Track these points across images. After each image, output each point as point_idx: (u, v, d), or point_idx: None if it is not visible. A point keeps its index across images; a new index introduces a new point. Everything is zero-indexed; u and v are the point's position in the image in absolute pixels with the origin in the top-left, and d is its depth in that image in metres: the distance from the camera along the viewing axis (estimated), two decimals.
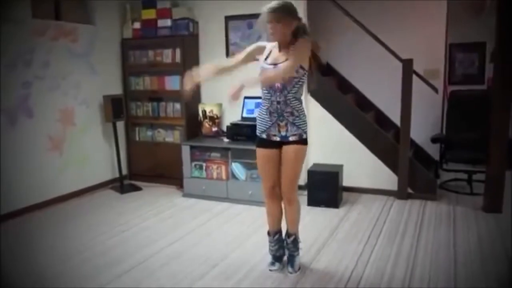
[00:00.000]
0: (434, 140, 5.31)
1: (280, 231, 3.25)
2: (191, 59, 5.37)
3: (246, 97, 5.13)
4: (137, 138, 5.75)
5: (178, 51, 5.28)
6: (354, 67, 5.83)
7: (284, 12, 2.78)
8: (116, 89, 5.56)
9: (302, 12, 4.83)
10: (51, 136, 4.77)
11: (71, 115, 5.01)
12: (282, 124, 2.90)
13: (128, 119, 5.66)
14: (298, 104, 2.91)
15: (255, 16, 5.01)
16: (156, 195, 5.12)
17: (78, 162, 5.10)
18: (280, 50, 2.90)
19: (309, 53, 2.88)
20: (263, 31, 2.81)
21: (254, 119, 4.96)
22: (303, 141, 2.95)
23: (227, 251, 3.53)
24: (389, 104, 5.56)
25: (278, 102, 2.87)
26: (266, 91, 2.91)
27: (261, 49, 3.01)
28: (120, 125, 5.56)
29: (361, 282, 2.94)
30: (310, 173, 4.66)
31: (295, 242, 3.16)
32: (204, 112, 5.26)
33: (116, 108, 5.17)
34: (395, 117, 5.13)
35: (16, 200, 4.39)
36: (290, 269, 3.13)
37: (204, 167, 4.97)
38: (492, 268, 3.13)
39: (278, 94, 2.86)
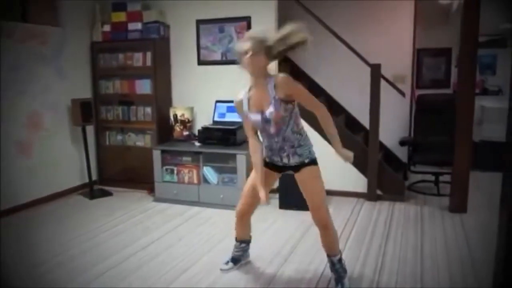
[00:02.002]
0: (402, 143, 5.44)
1: (248, 241, 3.30)
2: (162, 63, 5.35)
3: (217, 101, 5.15)
4: (107, 143, 5.66)
5: (149, 54, 5.24)
6: (323, 70, 5.91)
7: (254, 40, 2.61)
8: (86, 93, 5.46)
9: (273, 13, 4.93)
10: (19, 141, 4.65)
11: (40, 120, 4.90)
12: (284, 155, 2.82)
13: (98, 123, 5.58)
14: (298, 136, 2.80)
15: (227, 20, 5.14)
16: (127, 200, 5.06)
17: (46, 168, 4.98)
18: (256, 88, 2.75)
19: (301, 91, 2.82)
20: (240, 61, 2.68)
21: (225, 122, 5.03)
22: (310, 163, 2.84)
23: (199, 254, 3.52)
24: (358, 107, 5.67)
25: (277, 142, 2.78)
26: (264, 134, 2.82)
27: (241, 103, 2.84)
28: (90, 129, 5.47)
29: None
30: (282, 176, 4.66)
31: (341, 262, 2.92)
32: (175, 116, 5.24)
33: (85, 112, 5.07)
34: (365, 120, 5.23)
35: None
36: None
37: (175, 171, 4.94)
38: (457, 266, 3.23)
39: (275, 137, 2.78)
